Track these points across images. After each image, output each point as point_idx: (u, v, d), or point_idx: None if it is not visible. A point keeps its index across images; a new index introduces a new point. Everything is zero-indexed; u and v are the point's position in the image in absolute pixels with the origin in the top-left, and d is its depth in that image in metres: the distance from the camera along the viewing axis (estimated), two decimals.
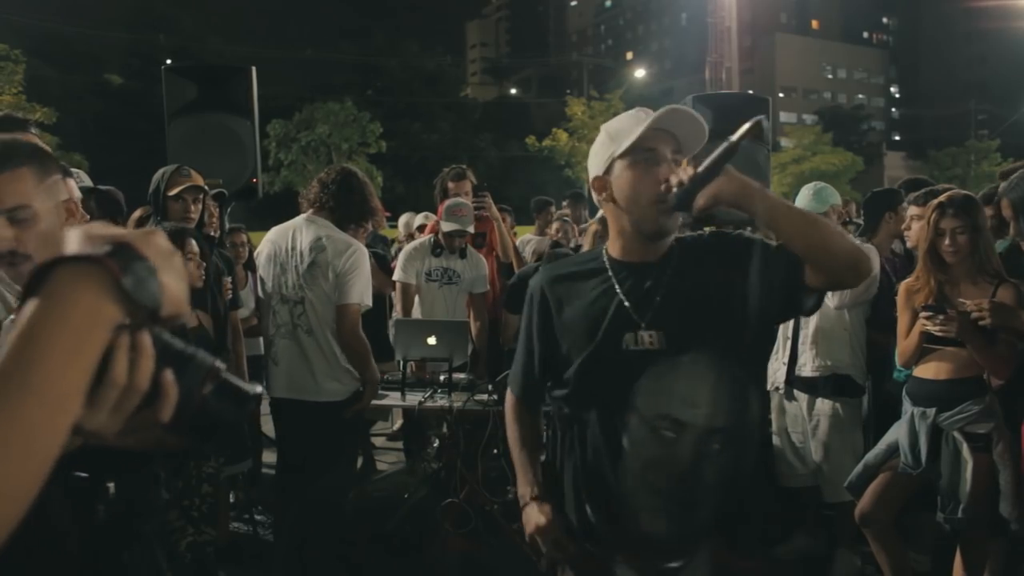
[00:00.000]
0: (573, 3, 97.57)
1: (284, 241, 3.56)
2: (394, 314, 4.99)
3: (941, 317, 3.00)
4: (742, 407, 1.80)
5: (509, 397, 2.18)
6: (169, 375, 0.75)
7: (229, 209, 4.63)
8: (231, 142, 4.60)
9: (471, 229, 4.71)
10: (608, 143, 1.85)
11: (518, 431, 2.14)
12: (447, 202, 4.81)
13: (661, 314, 1.78)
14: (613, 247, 1.90)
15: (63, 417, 0.66)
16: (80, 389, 0.67)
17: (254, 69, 4.67)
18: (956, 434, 3.09)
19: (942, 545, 3.55)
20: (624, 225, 1.85)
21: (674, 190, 1.68)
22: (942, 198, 3.17)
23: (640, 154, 1.78)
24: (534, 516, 2.00)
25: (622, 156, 1.80)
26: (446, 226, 4.66)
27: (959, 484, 3.07)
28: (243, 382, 0.83)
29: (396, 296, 4.86)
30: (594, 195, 1.90)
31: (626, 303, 1.81)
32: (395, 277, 4.87)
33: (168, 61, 6.05)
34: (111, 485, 1.68)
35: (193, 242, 3.21)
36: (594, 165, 1.89)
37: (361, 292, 3.48)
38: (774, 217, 1.69)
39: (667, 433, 1.75)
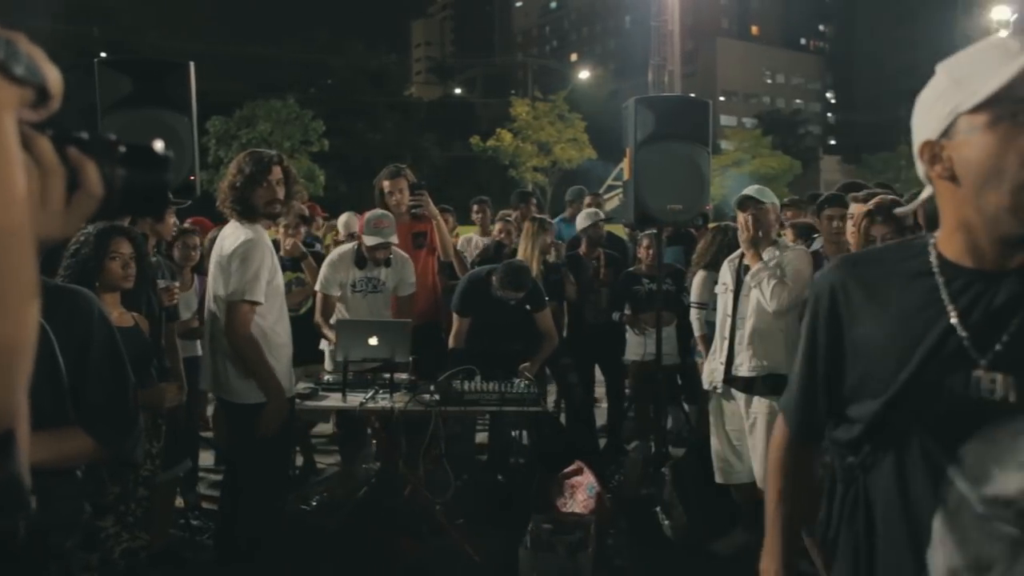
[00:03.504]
0: (518, 4, 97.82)
1: (217, 242, 3.51)
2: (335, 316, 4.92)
3: None
4: None
5: (779, 432, 1.58)
6: (75, 151, 0.76)
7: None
8: (167, 138, 4.46)
9: (394, 240, 4.66)
10: (951, 90, 1.22)
11: (782, 481, 1.56)
12: (367, 215, 4.74)
13: (1015, 350, 1.20)
14: (948, 243, 1.29)
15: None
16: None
17: (192, 64, 4.57)
18: None
19: None
20: (969, 215, 1.23)
21: None
22: (870, 205, 3.27)
23: (1009, 106, 1.15)
24: None
25: (976, 110, 1.18)
26: (369, 240, 4.59)
27: None
28: (140, 143, 0.84)
29: (317, 304, 4.80)
30: (920, 167, 1.29)
31: (959, 327, 1.23)
32: (317, 287, 4.81)
33: (103, 54, 5.87)
34: (32, 499, 1.62)
35: (123, 241, 3.13)
36: (924, 123, 1.27)
37: (245, 288, 3.27)
38: None
39: (1007, 528, 1.20)
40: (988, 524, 1.20)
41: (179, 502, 4.41)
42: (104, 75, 4.41)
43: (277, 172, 3.42)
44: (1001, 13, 34.01)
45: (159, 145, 0.86)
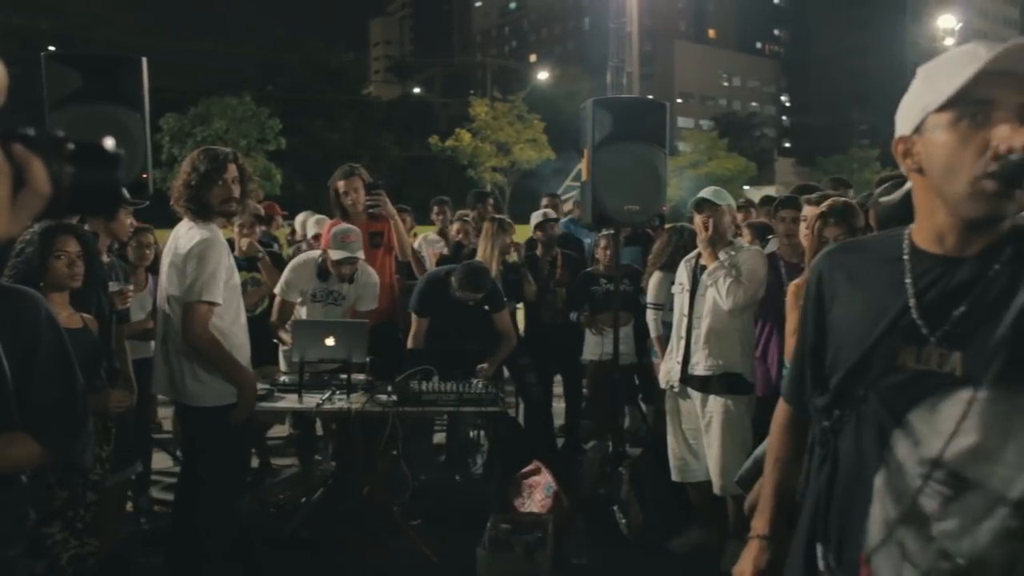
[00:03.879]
0: (478, 4, 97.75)
1: (169, 243, 3.44)
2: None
3: None
4: None
5: (780, 406, 1.76)
6: (21, 148, 0.75)
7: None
8: (119, 135, 4.37)
9: (361, 255, 4.60)
10: (923, 90, 1.35)
11: (777, 448, 1.73)
12: (334, 228, 4.66)
13: (962, 328, 1.32)
14: (919, 232, 1.41)
15: None
16: None
17: (144, 60, 4.48)
18: None
19: None
20: (934, 205, 1.36)
21: (1012, 157, 1.22)
22: (823, 207, 3.34)
23: (969, 107, 1.27)
24: (748, 557, 1.68)
25: (941, 109, 1.30)
26: (334, 254, 4.51)
27: None
28: (91, 141, 0.83)
29: (275, 307, 4.74)
30: (897, 160, 1.42)
31: (914, 307, 1.36)
32: (276, 291, 4.74)
33: (51, 48, 5.74)
34: None
35: (69, 240, 3.06)
36: (901, 121, 1.40)
37: (202, 288, 3.21)
38: None
39: (940, 488, 1.33)
40: (924, 484, 1.33)
41: (131, 506, 4.33)
42: (52, 70, 4.31)
43: (232, 170, 3.36)
44: (947, 22, 34.99)
45: (109, 142, 0.84)
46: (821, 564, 1.48)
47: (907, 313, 1.37)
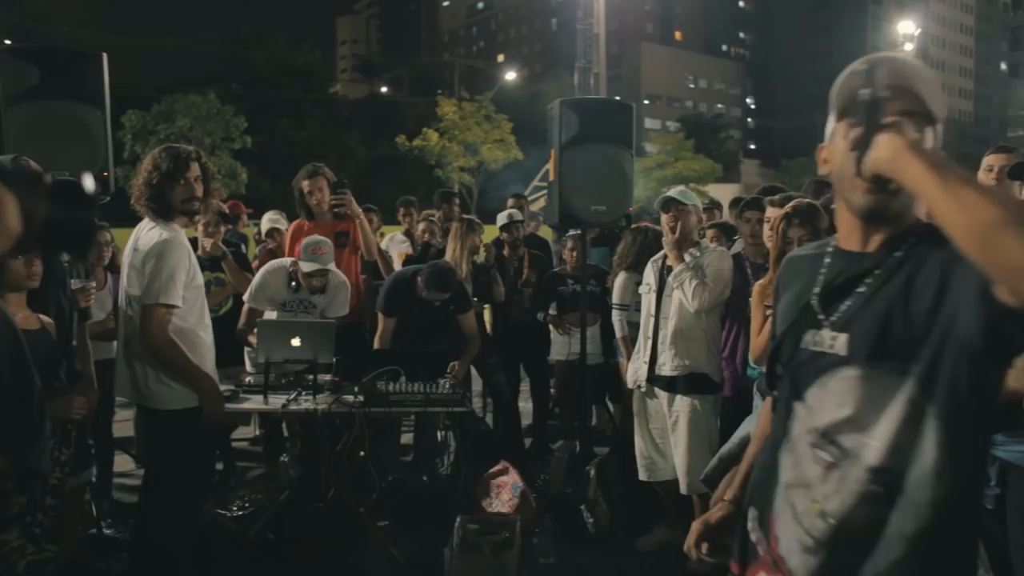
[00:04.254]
0: (446, 3, 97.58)
1: (130, 243, 3.36)
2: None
3: None
4: (921, 455, 1.37)
5: (766, 400, 1.94)
6: None
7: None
8: (79, 132, 4.32)
9: (332, 267, 4.57)
10: (833, 101, 1.53)
11: (762, 426, 1.87)
12: (305, 240, 4.62)
13: (848, 313, 1.47)
14: (838, 230, 1.60)
15: None
16: None
17: (105, 55, 4.41)
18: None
19: None
20: (841, 206, 1.54)
21: (853, 152, 1.38)
22: (788, 208, 3.38)
23: (849, 117, 1.44)
24: (704, 516, 1.86)
25: (839, 118, 1.49)
26: (305, 266, 4.47)
27: None
28: (68, 178, 0.80)
29: (243, 314, 4.68)
30: (819, 168, 1.59)
31: (816, 296, 1.55)
32: (245, 299, 4.69)
33: (7, 42, 5.61)
34: None
35: None
36: (826, 132, 1.58)
37: (160, 291, 3.14)
38: (926, 200, 1.24)
39: (823, 455, 1.48)
40: (812, 451, 1.51)
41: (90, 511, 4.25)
42: (8, 65, 4.23)
43: (195, 169, 3.31)
44: (906, 27, 35.62)
45: (88, 182, 0.82)
46: (749, 525, 1.66)
47: (811, 301, 1.55)
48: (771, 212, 3.88)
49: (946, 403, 1.35)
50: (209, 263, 4.96)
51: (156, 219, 3.27)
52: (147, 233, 3.26)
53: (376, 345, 4.83)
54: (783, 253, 3.30)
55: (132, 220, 3.41)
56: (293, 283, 4.63)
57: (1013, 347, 1.28)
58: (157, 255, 3.16)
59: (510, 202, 6.96)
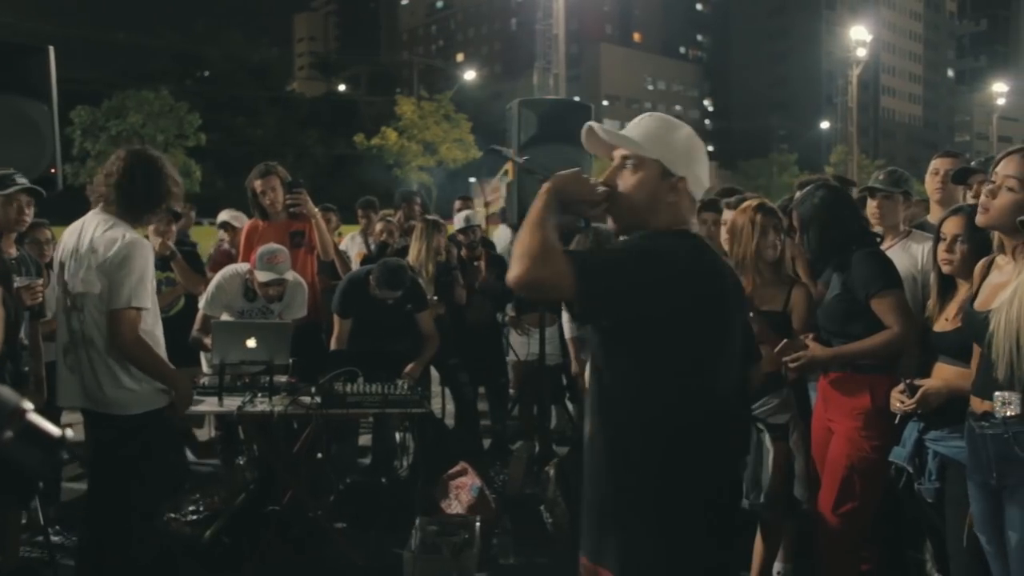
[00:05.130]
0: (404, 2, 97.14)
1: (71, 242, 3.24)
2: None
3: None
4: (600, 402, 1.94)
5: None
6: None
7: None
8: (24, 127, 4.21)
9: (289, 276, 4.47)
10: None
11: None
12: (260, 248, 4.48)
13: None
14: None
15: None
16: None
17: (52, 49, 4.29)
18: (759, 425, 3.33)
19: (742, 528, 3.82)
20: None
21: None
22: (749, 206, 3.43)
23: None
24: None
25: None
26: (261, 276, 4.35)
27: (761, 472, 3.31)
28: (50, 424, 0.73)
29: (197, 320, 4.58)
30: None
31: None
32: (201, 307, 4.60)
33: None
34: None
35: None
36: None
37: (131, 294, 3.09)
38: None
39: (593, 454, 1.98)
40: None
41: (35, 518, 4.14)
42: None
43: (173, 173, 3.33)
44: (859, 33, 36.31)
45: (68, 433, 0.75)
46: None
47: None
48: (728, 215, 3.92)
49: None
50: (159, 263, 4.86)
51: (120, 219, 3.20)
52: (105, 232, 3.16)
53: (333, 346, 4.77)
54: (758, 247, 3.35)
55: (73, 218, 3.32)
56: (248, 292, 4.54)
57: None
58: (126, 257, 3.09)
59: (457, 204, 6.95)
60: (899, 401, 2.76)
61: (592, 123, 2.02)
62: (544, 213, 1.85)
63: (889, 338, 3.01)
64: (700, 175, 1.97)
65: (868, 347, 3.04)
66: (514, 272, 1.78)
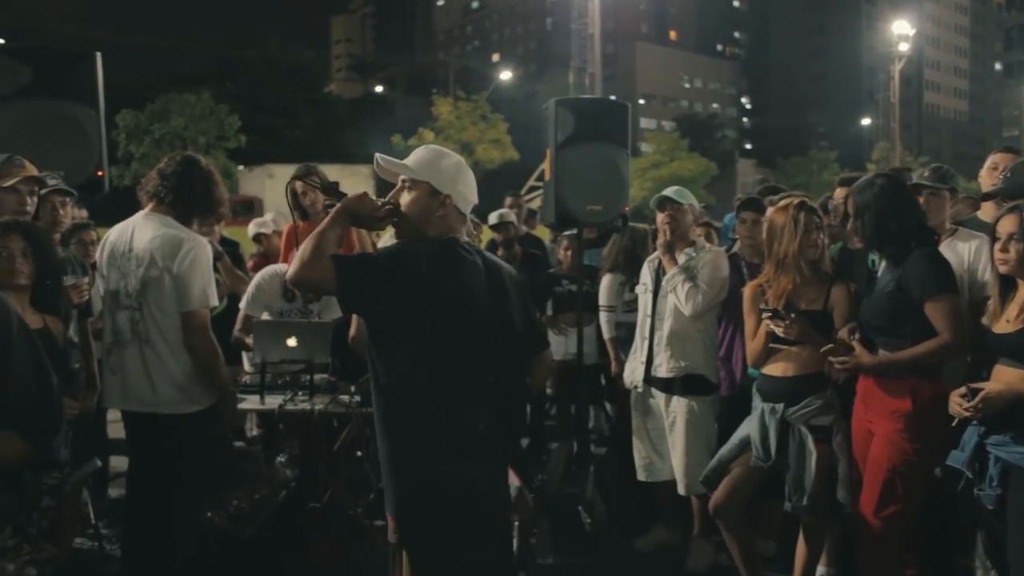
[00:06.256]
0: (440, 3, 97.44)
1: (122, 242, 3.31)
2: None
3: (785, 322, 3.19)
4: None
5: None
6: None
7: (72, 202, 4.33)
8: (73, 132, 4.31)
9: None
10: None
11: None
12: (297, 251, 4.58)
13: None
14: None
15: None
16: None
17: (99, 55, 4.39)
18: (802, 427, 3.28)
19: (784, 530, 3.78)
20: None
21: None
22: (790, 203, 3.38)
23: None
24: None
25: None
26: None
27: (804, 474, 3.26)
28: None
29: (239, 320, 4.64)
30: None
31: None
32: (242, 306, 4.65)
33: (0, 41, 5.59)
34: None
35: (13, 236, 2.96)
36: None
37: (201, 294, 3.23)
38: None
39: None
40: None
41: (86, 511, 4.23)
42: (1, 63, 4.21)
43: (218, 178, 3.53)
44: (901, 28, 35.64)
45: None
46: None
47: None
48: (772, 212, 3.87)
49: None
50: None
51: (175, 220, 3.30)
52: (167, 233, 3.24)
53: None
54: (801, 245, 3.30)
55: (120, 218, 3.40)
56: (287, 293, 4.59)
57: None
58: (195, 258, 3.20)
59: (508, 201, 6.95)
60: (959, 405, 2.69)
61: (377, 155, 2.40)
62: (327, 227, 2.27)
63: (939, 346, 2.93)
64: (465, 193, 2.40)
65: (918, 355, 2.97)
66: (289, 272, 2.27)
